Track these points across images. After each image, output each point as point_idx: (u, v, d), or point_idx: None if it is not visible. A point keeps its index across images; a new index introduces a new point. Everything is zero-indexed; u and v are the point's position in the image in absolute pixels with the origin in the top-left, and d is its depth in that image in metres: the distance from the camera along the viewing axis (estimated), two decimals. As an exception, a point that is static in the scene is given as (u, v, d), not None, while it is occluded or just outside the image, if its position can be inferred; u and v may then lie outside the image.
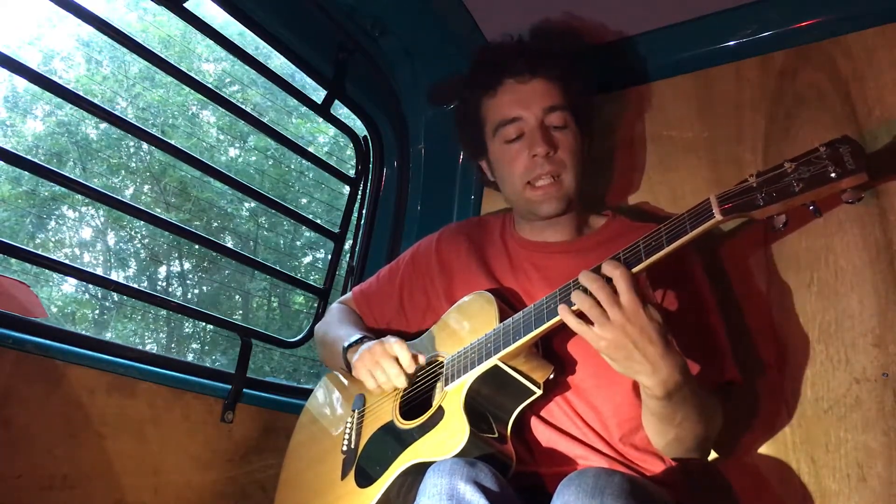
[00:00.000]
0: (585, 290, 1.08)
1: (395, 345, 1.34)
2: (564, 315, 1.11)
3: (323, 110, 1.98)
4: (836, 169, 0.93)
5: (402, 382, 1.31)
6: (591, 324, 1.07)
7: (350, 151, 2.18)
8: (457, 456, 1.12)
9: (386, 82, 2.09)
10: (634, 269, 1.07)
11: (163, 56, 1.72)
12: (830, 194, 0.96)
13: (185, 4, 1.64)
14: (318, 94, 2.01)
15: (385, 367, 1.31)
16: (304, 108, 2.03)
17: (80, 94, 1.62)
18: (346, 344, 1.46)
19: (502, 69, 1.45)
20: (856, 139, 0.95)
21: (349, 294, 1.71)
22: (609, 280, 1.07)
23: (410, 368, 1.31)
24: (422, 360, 1.34)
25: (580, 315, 1.09)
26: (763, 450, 1.49)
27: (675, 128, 1.78)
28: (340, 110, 2.14)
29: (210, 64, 15.41)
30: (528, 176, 1.41)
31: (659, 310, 1.08)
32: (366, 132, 2.17)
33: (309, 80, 2.01)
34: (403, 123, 2.15)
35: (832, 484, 1.40)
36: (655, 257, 1.06)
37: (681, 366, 1.09)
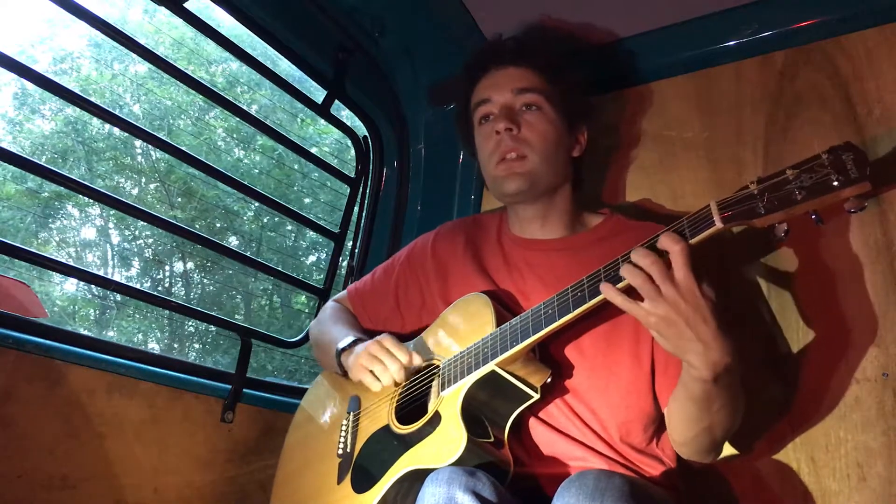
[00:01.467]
0: (636, 266, 1.04)
1: (390, 340, 1.34)
2: (609, 292, 1.06)
3: (323, 110, 1.98)
4: (838, 177, 0.91)
5: (401, 377, 1.30)
6: (640, 300, 1.04)
7: (353, 152, 2.18)
8: (454, 463, 1.12)
9: (386, 82, 2.09)
10: (692, 241, 1.03)
11: (164, 57, 1.73)
12: (833, 203, 0.94)
13: (186, 5, 1.65)
14: (319, 94, 2.02)
15: (384, 362, 1.31)
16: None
17: (84, 95, 1.62)
18: (339, 347, 1.45)
19: (487, 61, 1.50)
20: (859, 146, 0.92)
21: (344, 293, 1.70)
22: (662, 254, 1.04)
23: (407, 363, 1.31)
24: (417, 359, 1.33)
25: (627, 291, 1.06)
26: (763, 450, 1.49)
27: (675, 128, 1.78)
28: (341, 111, 2.14)
29: (219, 65, 15.45)
30: (495, 154, 1.43)
31: (713, 289, 1.05)
32: (366, 132, 2.17)
33: (310, 81, 2.01)
34: (403, 123, 2.15)
35: (832, 484, 1.39)
36: (707, 233, 1.02)
37: (732, 349, 1.05)
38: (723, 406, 1.14)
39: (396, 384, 1.33)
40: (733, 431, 1.24)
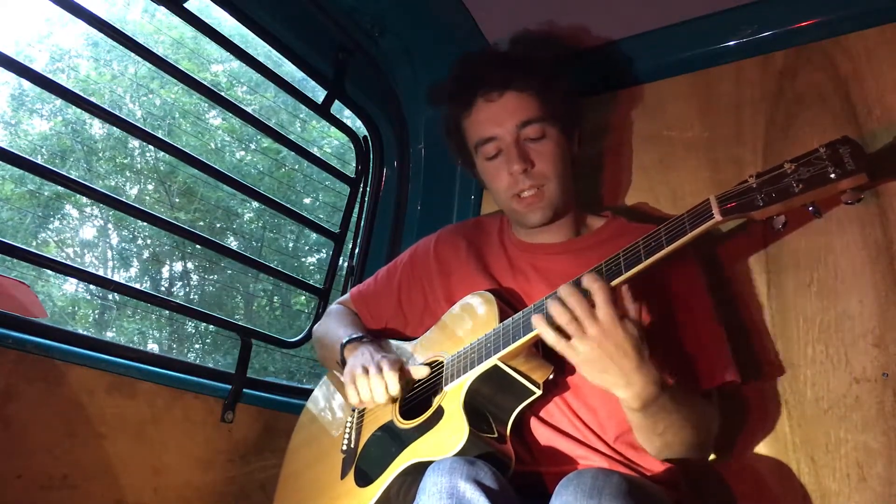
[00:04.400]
0: (563, 304, 1.09)
1: (388, 364, 1.31)
2: (540, 327, 1.12)
3: (323, 110, 1.98)
4: (835, 170, 0.93)
5: (381, 399, 1.29)
6: (569, 337, 1.09)
7: (353, 153, 2.18)
8: (456, 455, 1.12)
9: (386, 82, 2.09)
10: (614, 282, 1.09)
11: (163, 57, 1.73)
12: (830, 195, 0.96)
13: (186, 5, 1.65)
14: (320, 94, 2.02)
15: (371, 385, 1.29)
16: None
17: (82, 95, 1.62)
18: (344, 340, 1.46)
19: (474, 86, 1.43)
20: (856, 140, 0.94)
21: (347, 295, 1.71)
22: (586, 293, 1.08)
23: (395, 390, 1.29)
24: (417, 373, 1.33)
25: (558, 328, 1.10)
26: (763, 450, 1.49)
27: (675, 128, 1.78)
28: (341, 111, 2.14)
29: (220, 65, 15.45)
30: (511, 190, 1.41)
31: (636, 324, 1.09)
32: (366, 132, 2.18)
33: (311, 81, 2.01)
34: (403, 123, 2.15)
35: (832, 484, 1.39)
36: (637, 269, 1.08)
37: (655, 378, 1.10)
38: (668, 427, 1.17)
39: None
40: (701, 442, 1.26)
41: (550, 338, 1.11)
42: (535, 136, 1.41)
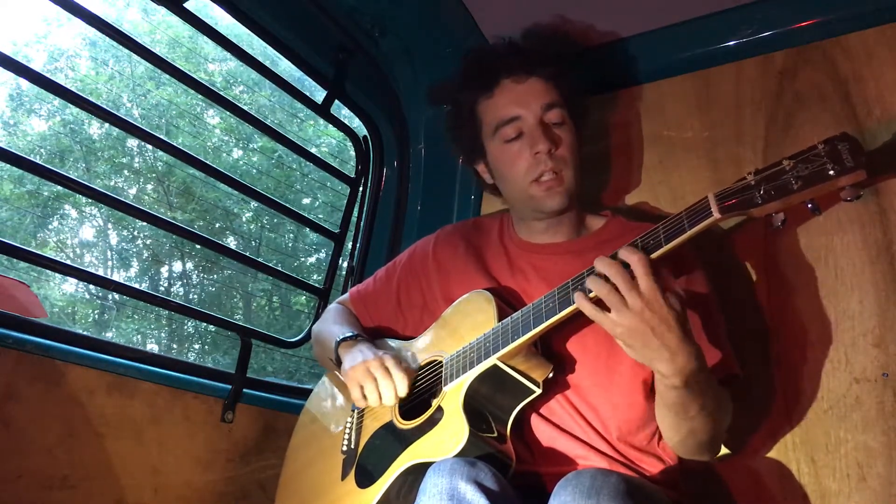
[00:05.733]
0: (602, 277, 1.07)
1: (392, 361, 1.31)
2: (581, 302, 1.09)
3: (323, 110, 1.98)
4: (834, 166, 0.93)
5: (390, 402, 1.28)
6: (608, 310, 1.06)
7: (353, 152, 2.18)
8: (457, 456, 1.12)
9: (386, 82, 2.09)
10: (653, 255, 1.06)
11: (162, 56, 1.72)
12: (829, 192, 0.96)
13: (186, 4, 1.65)
14: (319, 94, 2.01)
15: (379, 383, 1.28)
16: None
17: (81, 94, 1.62)
18: (339, 338, 1.46)
19: (498, 70, 1.44)
20: (855, 136, 0.94)
21: (346, 296, 1.71)
22: (626, 266, 1.06)
23: (403, 392, 1.28)
24: (404, 390, 1.31)
25: (597, 302, 1.08)
26: (763, 450, 1.49)
27: (675, 128, 1.78)
28: (341, 111, 2.14)
29: (216, 64, 15.44)
30: (532, 174, 1.40)
31: (678, 297, 1.07)
32: (366, 132, 2.17)
33: (310, 80, 2.01)
34: (403, 123, 2.15)
35: (832, 484, 1.39)
36: (672, 245, 1.04)
37: (698, 355, 1.07)
38: (700, 411, 1.15)
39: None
40: (721, 432, 1.25)
41: (589, 311, 1.08)
42: (557, 120, 1.42)
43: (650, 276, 1.03)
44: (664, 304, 1.04)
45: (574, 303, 1.11)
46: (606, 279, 1.06)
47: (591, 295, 1.08)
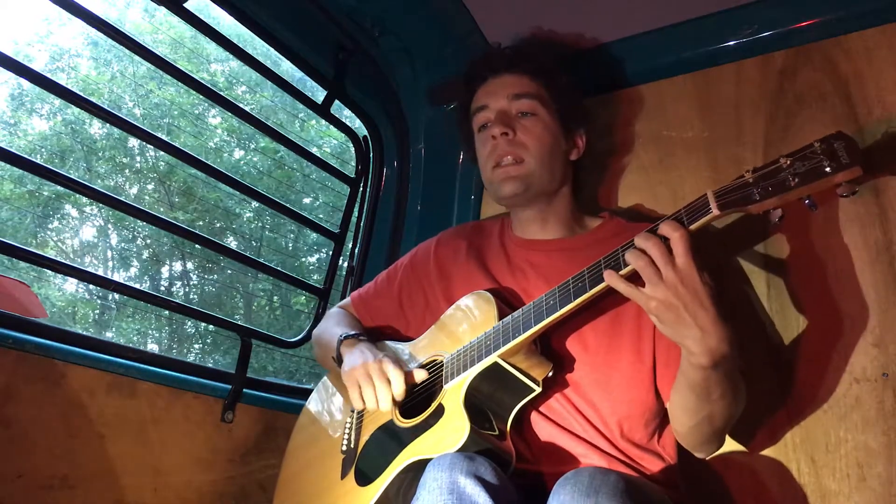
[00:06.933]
0: (640, 251, 1.06)
1: (391, 365, 1.30)
2: (611, 278, 1.08)
3: (323, 110, 1.98)
4: (830, 163, 0.94)
5: (386, 407, 1.27)
6: (642, 285, 1.06)
7: (353, 152, 2.18)
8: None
9: (386, 82, 2.09)
10: (692, 227, 1.05)
11: (163, 56, 1.72)
12: (826, 188, 0.97)
13: (186, 4, 1.65)
14: (320, 94, 2.01)
15: (376, 386, 1.28)
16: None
17: (82, 94, 1.62)
18: (342, 335, 1.47)
19: (483, 69, 1.55)
20: (851, 135, 0.96)
21: (347, 299, 1.72)
22: (665, 241, 1.05)
23: (400, 397, 1.28)
24: (417, 376, 1.32)
25: (630, 278, 1.08)
26: (763, 450, 1.49)
27: (675, 128, 1.78)
28: (341, 111, 2.14)
29: (219, 65, 15.45)
30: (492, 159, 1.46)
31: (713, 277, 1.07)
32: (366, 132, 2.18)
33: (310, 81, 2.01)
34: (403, 123, 2.15)
35: (832, 484, 1.39)
36: (704, 220, 1.04)
37: (729, 337, 1.06)
38: (722, 395, 1.14)
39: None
40: (734, 421, 1.24)
41: (622, 286, 1.07)
42: (525, 110, 1.48)
43: (689, 252, 1.03)
44: (699, 281, 1.03)
45: (557, 311, 1.14)
46: (642, 253, 1.06)
47: (624, 271, 1.08)
